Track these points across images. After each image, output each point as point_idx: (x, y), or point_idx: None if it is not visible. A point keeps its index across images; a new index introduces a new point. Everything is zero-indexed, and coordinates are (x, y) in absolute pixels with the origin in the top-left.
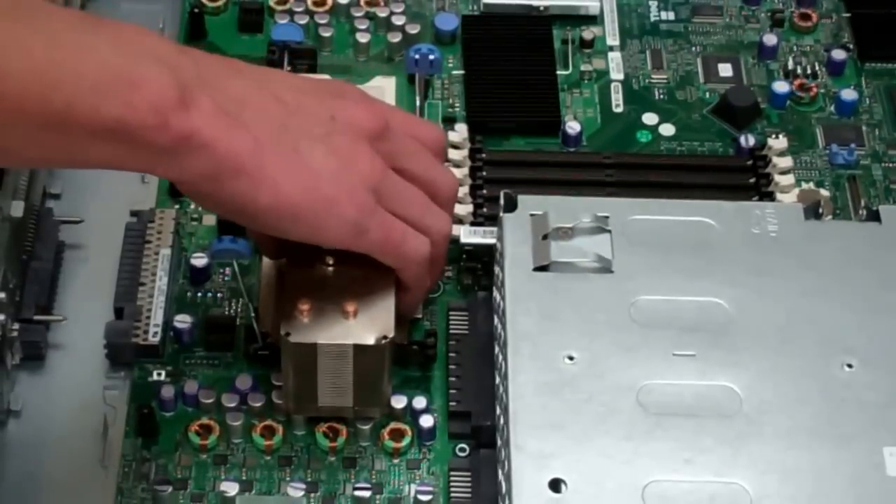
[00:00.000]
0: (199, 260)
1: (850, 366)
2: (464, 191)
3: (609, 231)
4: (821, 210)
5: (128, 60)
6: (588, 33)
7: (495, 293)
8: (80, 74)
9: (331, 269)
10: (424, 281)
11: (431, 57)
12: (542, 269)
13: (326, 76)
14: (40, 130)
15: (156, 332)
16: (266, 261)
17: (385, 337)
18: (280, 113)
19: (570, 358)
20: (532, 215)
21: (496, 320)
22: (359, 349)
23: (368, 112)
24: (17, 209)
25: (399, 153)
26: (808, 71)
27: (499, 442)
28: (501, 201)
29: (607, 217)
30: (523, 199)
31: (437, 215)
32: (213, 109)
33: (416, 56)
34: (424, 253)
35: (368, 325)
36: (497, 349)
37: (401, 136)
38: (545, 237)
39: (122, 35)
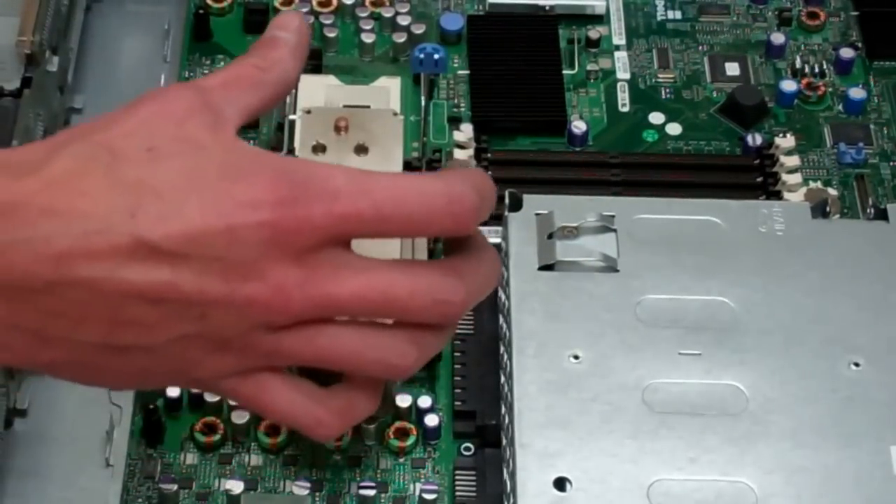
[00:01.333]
0: None
1: (856, 364)
2: None
3: (614, 230)
4: (828, 209)
5: None
6: (594, 33)
7: (500, 293)
8: None
9: None
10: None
11: (436, 56)
12: (547, 268)
13: (332, 77)
14: None
15: None
16: None
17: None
18: (107, 323)
19: (576, 357)
20: (537, 214)
21: (501, 320)
22: None
23: (285, 294)
24: None
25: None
26: (816, 70)
27: (504, 441)
28: (507, 201)
29: (613, 216)
30: (528, 199)
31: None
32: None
33: (421, 55)
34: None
35: None
36: (502, 348)
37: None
38: (550, 236)
39: None
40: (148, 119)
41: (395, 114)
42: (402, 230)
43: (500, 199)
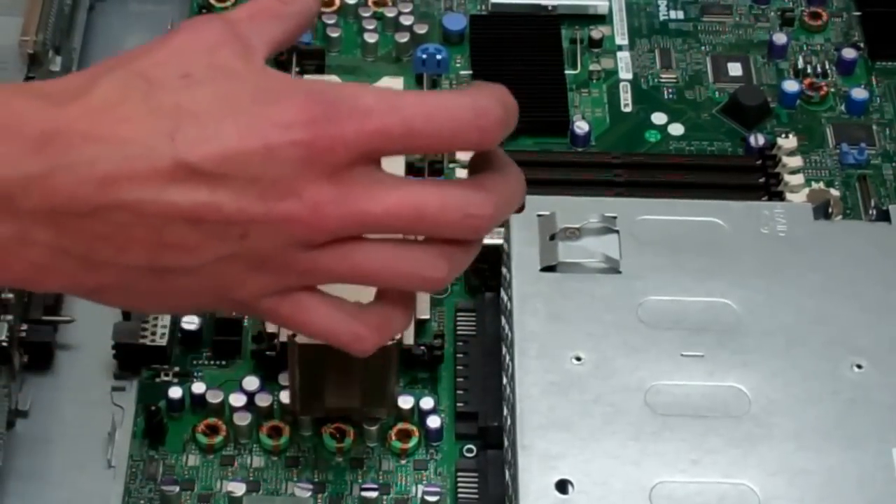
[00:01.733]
0: None
1: (859, 366)
2: None
3: (617, 231)
4: (830, 210)
5: None
6: (597, 33)
7: (503, 294)
8: None
9: None
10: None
11: (439, 56)
12: (549, 269)
13: (335, 77)
14: None
15: (163, 334)
16: None
17: (392, 338)
18: (151, 246)
19: (578, 359)
20: (539, 216)
21: (503, 321)
22: None
23: (322, 210)
24: None
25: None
26: (819, 70)
27: (506, 443)
28: None
29: (615, 217)
30: (531, 200)
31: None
32: (49, 251)
33: (424, 56)
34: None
35: None
36: (504, 350)
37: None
38: (552, 237)
39: None
40: (181, 48)
41: None
42: (431, 145)
43: None
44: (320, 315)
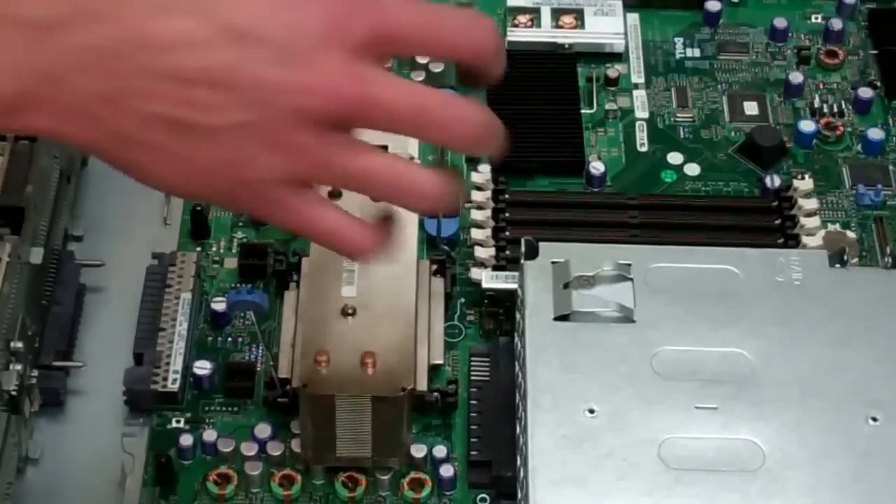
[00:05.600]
0: (220, 304)
1: (874, 419)
2: (486, 233)
3: (631, 279)
4: (846, 257)
5: None
6: (613, 71)
7: (517, 340)
8: None
9: (350, 319)
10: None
11: None
12: (562, 318)
13: None
14: None
15: (175, 379)
16: (286, 306)
17: (404, 388)
18: (174, 99)
19: (591, 411)
20: (553, 263)
21: (517, 368)
22: (377, 401)
23: (337, 83)
24: (36, 256)
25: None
26: (835, 109)
27: (519, 494)
28: (523, 248)
29: (629, 265)
30: (545, 247)
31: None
32: (61, 110)
33: None
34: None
35: (387, 376)
36: (518, 398)
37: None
38: (566, 286)
39: None
40: None
41: (412, 157)
42: (435, 42)
43: (518, 241)
44: (328, 214)
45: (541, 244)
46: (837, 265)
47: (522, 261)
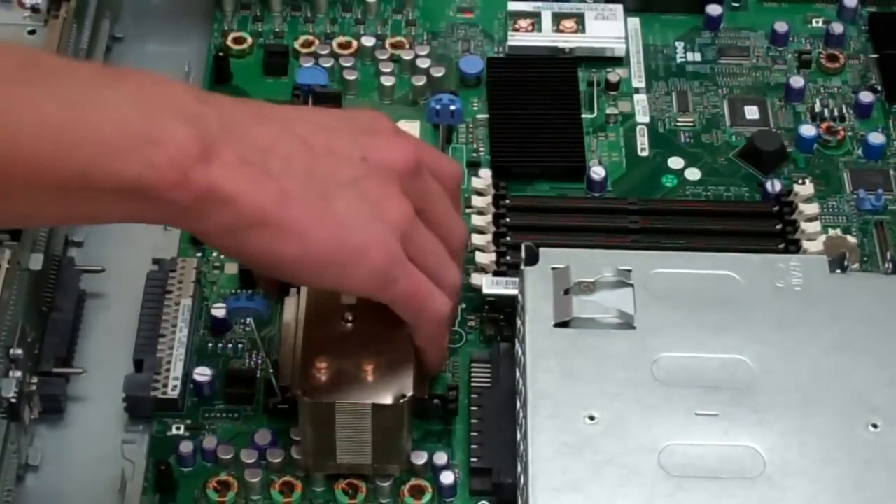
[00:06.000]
0: (220, 310)
1: (875, 426)
2: (486, 239)
3: (631, 285)
4: (846, 262)
5: (148, 116)
6: (613, 76)
7: (517, 346)
8: (97, 136)
9: (349, 325)
10: (440, 341)
11: (453, 107)
12: (563, 324)
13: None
14: (57, 194)
15: (175, 386)
16: (287, 313)
17: (403, 396)
18: (308, 158)
19: (591, 418)
20: (554, 269)
21: (518, 374)
22: (377, 408)
23: (401, 151)
24: (35, 262)
25: (425, 195)
26: (836, 113)
27: (519, 502)
28: (523, 254)
29: (630, 271)
30: (545, 252)
31: (451, 267)
32: (236, 161)
33: (437, 106)
34: (445, 313)
35: (387, 383)
36: (518, 404)
37: (427, 176)
38: (566, 292)
39: (144, 88)
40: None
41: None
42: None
43: (519, 247)
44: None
45: (541, 250)
46: (838, 271)
47: (522, 266)
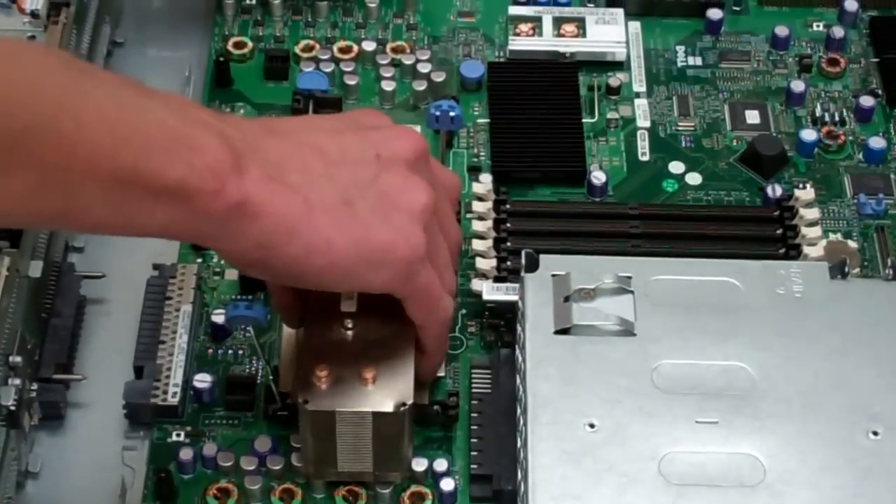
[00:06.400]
0: (221, 316)
1: (875, 433)
2: (487, 244)
3: (632, 292)
4: (847, 269)
5: (184, 124)
6: (614, 80)
7: (517, 353)
8: (146, 133)
9: (350, 332)
10: (443, 343)
11: (452, 114)
12: (563, 331)
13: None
14: (107, 189)
15: (175, 393)
16: None
17: (404, 404)
18: (324, 166)
19: (591, 425)
20: (554, 275)
21: (518, 380)
22: (377, 416)
23: (408, 140)
24: (35, 269)
25: (434, 183)
26: (836, 118)
27: None
28: (523, 261)
29: (630, 277)
30: (545, 259)
31: (451, 269)
32: (262, 176)
33: (437, 113)
34: (451, 314)
35: (387, 391)
36: (519, 410)
37: (433, 166)
38: (567, 299)
39: (171, 101)
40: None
41: None
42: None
43: (519, 252)
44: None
45: (541, 256)
46: (838, 277)
47: (523, 273)
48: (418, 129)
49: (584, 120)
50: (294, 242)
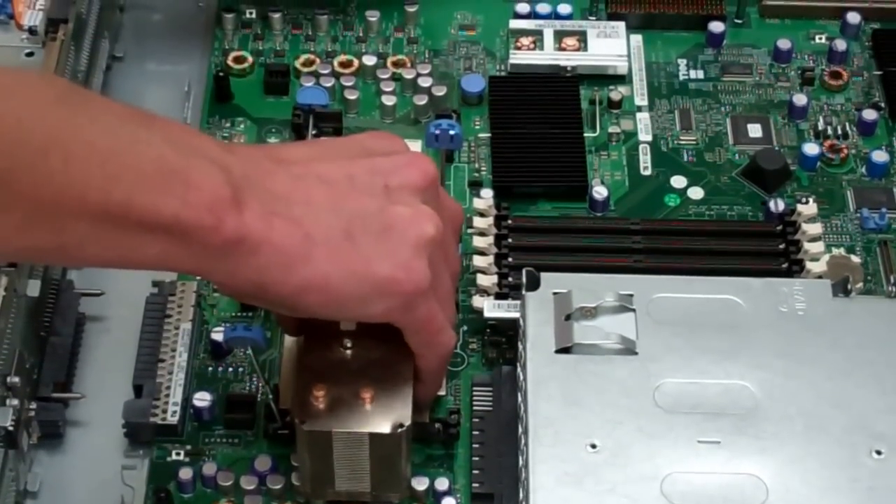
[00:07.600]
0: (220, 334)
1: (879, 452)
2: (488, 260)
3: (633, 310)
4: (850, 286)
5: (182, 158)
6: (616, 94)
7: (518, 370)
8: (139, 168)
9: (349, 352)
10: (440, 373)
11: (452, 132)
12: (564, 350)
13: None
14: (99, 225)
15: (175, 411)
16: (288, 336)
17: (402, 425)
18: (329, 197)
19: (593, 446)
20: (555, 294)
21: (520, 398)
22: (374, 437)
23: (419, 168)
24: (33, 288)
25: (440, 211)
26: (839, 131)
27: None
28: (524, 279)
29: (631, 295)
30: (547, 277)
31: (453, 301)
32: (262, 211)
33: (437, 132)
34: (451, 348)
35: (385, 411)
36: (520, 429)
37: (440, 194)
38: (568, 317)
39: (173, 132)
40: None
41: None
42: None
43: (520, 268)
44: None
45: (542, 274)
46: (841, 295)
47: (524, 291)
48: (418, 150)
49: (585, 134)
50: (291, 278)
